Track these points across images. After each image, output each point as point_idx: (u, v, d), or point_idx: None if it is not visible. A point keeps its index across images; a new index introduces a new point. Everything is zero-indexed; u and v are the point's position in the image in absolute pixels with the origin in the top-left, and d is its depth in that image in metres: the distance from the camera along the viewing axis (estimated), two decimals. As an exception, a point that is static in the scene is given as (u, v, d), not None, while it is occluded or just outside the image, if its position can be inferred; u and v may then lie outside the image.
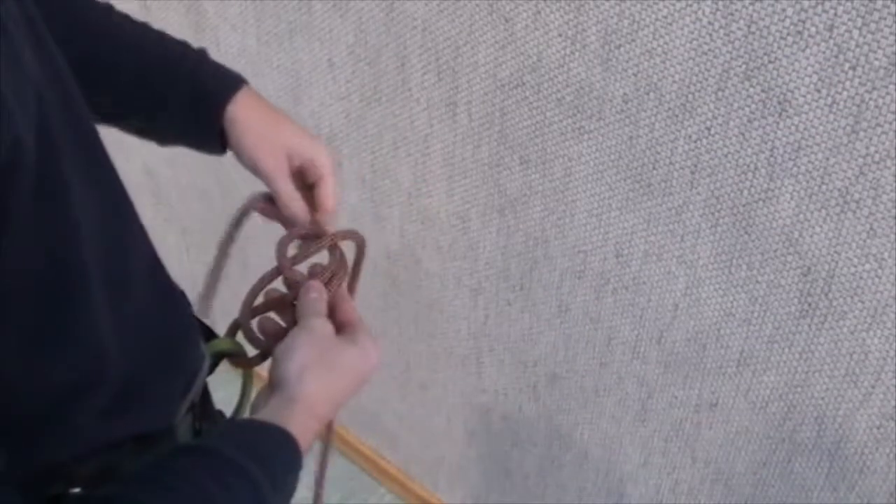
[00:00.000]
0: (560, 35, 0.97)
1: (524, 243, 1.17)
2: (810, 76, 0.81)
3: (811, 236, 0.89)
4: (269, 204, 0.72)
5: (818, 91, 0.81)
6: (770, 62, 0.83)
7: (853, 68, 0.78)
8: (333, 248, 0.68)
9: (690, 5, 0.86)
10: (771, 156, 0.88)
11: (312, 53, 1.29)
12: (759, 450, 1.08)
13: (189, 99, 0.68)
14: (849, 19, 0.77)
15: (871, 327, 0.90)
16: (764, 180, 0.89)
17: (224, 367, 0.67)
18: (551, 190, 1.09)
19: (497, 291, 1.26)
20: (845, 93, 0.80)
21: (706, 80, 0.88)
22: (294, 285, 0.64)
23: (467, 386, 1.43)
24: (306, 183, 0.70)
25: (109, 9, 0.69)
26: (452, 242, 1.28)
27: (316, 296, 0.62)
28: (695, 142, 0.93)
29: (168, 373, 0.56)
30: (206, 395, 0.65)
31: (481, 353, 1.36)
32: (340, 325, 0.62)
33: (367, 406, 1.68)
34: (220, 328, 0.68)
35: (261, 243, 1.67)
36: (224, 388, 0.70)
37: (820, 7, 0.78)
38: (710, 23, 0.85)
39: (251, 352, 0.64)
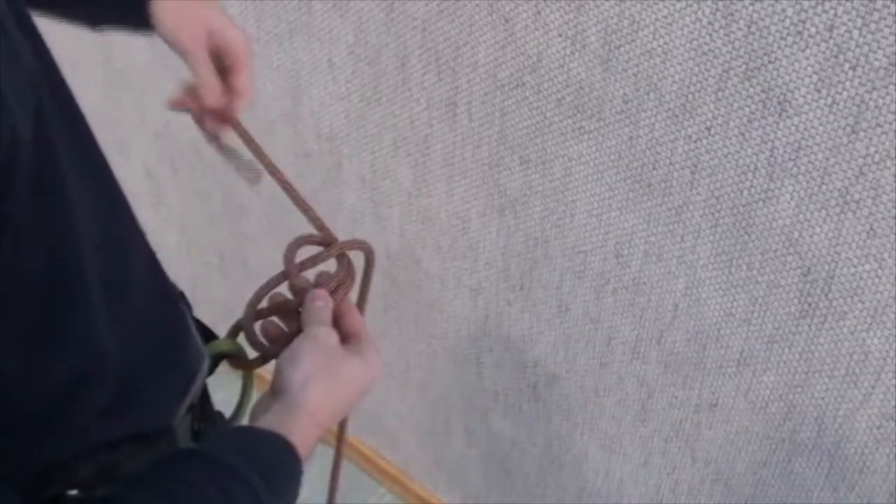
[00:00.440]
0: (560, 35, 0.97)
1: (524, 243, 1.17)
2: (810, 76, 0.81)
3: (811, 236, 0.89)
4: (189, 93, 0.73)
5: (818, 91, 0.81)
6: (770, 62, 0.83)
7: (853, 68, 0.78)
8: (341, 258, 0.68)
9: (690, 5, 0.86)
10: (771, 156, 0.88)
11: (312, 53, 1.29)
12: (759, 450, 1.08)
13: None
14: (849, 19, 0.77)
15: (871, 327, 0.90)
16: (764, 180, 0.89)
17: (225, 368, 0.67)
18: (551, 190, 1.09)
19: (497, 291, 1.26)
20: (845, 93, 0.80)
21: (706, 80, 0.88)
22: (299, 292, 0.64)
23: (467, 386, 1.43)
24: (223, 66, 0.72)
25: None
26: (452, 242, 1.28)
27: (321, 304, 0.62)
28: (695, 142, 0.93)
29: (167, 372, 0.56)
30: (205, 395, 0.65)
31: (481, 353, 1.36)
32: (345, 335, 0.62)
33: (367, 406, 1.68)
34: (220, 330, 0.67)
35: (260, 243, 1.67)
36: (224, 390, 0.70)
37: (820, 7, 0.78)
38: (710, 23, 0.85)
39: (251, 354, 0.64)
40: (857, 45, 0.77)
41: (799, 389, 1.00)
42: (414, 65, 1.15)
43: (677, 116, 0.93)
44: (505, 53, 1.04)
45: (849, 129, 0.81)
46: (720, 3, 0.83)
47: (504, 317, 1.28)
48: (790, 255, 0.92)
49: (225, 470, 0.47)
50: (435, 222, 1.28)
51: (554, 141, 1.05)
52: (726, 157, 0.91)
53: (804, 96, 0.83)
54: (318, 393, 0.56)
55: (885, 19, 0.75)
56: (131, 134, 1.77)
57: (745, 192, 0.92)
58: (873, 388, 0.93)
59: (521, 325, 1.26)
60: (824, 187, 0.86)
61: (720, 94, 0.88)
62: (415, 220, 1.31)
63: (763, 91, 0.85)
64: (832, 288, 0.90)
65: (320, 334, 0.60)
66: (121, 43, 1.60)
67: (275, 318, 0.65)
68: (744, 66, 0.85)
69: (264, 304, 0.66)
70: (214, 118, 0.75)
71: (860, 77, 0.78)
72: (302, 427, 0.54)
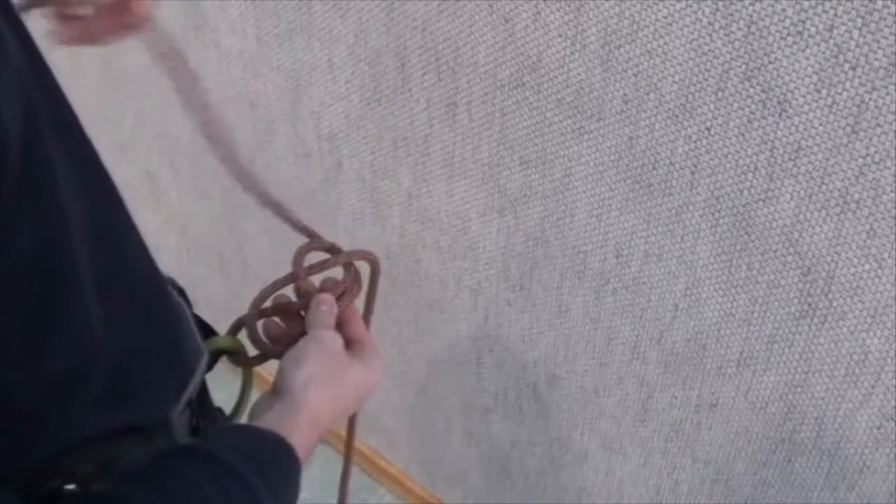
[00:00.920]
0: (560, 35, 0.97)
1: (524, 243, 1.17)
2: (810, 76, 0.81)
3: (811, 236, 0.89)
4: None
5: (818, 91, 0.81)
6: (770, 62, 0.83)
7: (853, 68, 0.78)
8: (349, 266, 0.69)
9: (690, 6, 0.86)
10: (771, 156, 0.88)
11: (312, 53, 1.29)
12: (759, 450, 1.08)
13: None
14: (849, 19, 0.77)
15: (871, 327, 0.90)
16: (764, 180, 0.89)
17: (226, 368, 0.67)
18: (551, 190, 1.09)
19: (497, 291, 1.26)
20: (845, 93, 0.80)
21: (706, 80, 0.88)
22: (305, 294, 0.65)
23: (467, 386, 1.43)
24: None
25: None
26: (452, 242, 1.28)
27: (326, 308, 0.63)
28: (695, 142, 0.93)
29: (164, 366, 0.56)
30: (204, 392, 0.65)
31: (481, 353, 1.36)
32: (348, 341, 0.63)
33: (367, 406, 1.68)
34: (220, 329, 0.67)
35: (260, 243, 1.67)
36: (224, 389, 0.70)
37: (820, 7, 0.78)
38: (710, 23, 0.85)
39: (251, 352, 0.64)
40: (857, 45, 0.77)
41: (799, 389, 1.00)
42: (414, 65, 1.15)
43: (677, 116, 0.93)
44: (505, 53, 1.04)
45: (849, 129, 0.81)
46: (720, 3, 0.83)
47: (504, 317, 1.28)
48: (790, 255, 0.92)
49: (224, 468, 0.47)
50: (435, 222, 1.28)
51: (554, 141, 1.05)
52: (726, 157, 0.91)
53: (804, 96, 0.83)
54: (320, 395, 0.56)
55: (885, 19, 0.75)
56: (131, 134, 1.77)
57: (745, 192, 0.92)
58: (873, 388, 0.93)
59: (521, 325, 1.26)
60: (824, 187, 0.86)
61: (720, 94, 0.88)
62: (415, 220, 1.31)
63: (763, 91, 0.85)
64: (832, 288, 0.90)
65: (326, 338, 0.60)
66: (121, 43, 1.60)
67: (276, 319, 0.66)
68: (744, 67, 0.85)
69: (268, 304, 0.66)
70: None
71: (860, 77, 0.78)
72: (302, 428, 0.54)
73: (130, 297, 0.52)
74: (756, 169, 0.89)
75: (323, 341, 0.60)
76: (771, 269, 0.94)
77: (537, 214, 1.13)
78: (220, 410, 0.68)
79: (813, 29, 0.79)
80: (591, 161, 1.03)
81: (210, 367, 0.64)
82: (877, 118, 0.79)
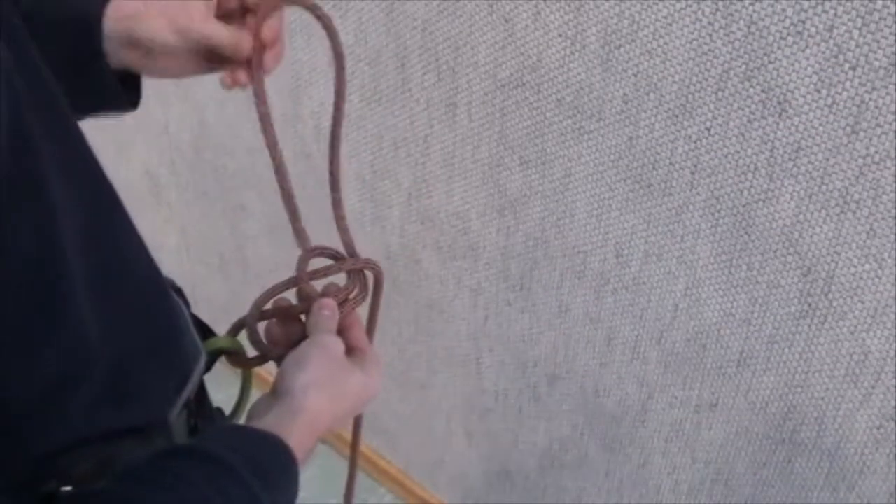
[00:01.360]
0: (560, 35, 0.97)
1: (524, 243, 1.17)
2: (810, 76, 0.81)
3: (811, 236, 0.89)
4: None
5: (818, 91, 0.81)
6: (770, 62, 0.83)
7: (853, 68, 0.78)
8: (353, 274, 0.69)
9: (690, 5, 0.86)
10: (771, 156, 0.88)
11: (312, 53, 1.29)
12: (759, 450, 1.08)
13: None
14: (849, 19, 0.77)
15: (871, 327, 0.90)
16: (764, 180, 0.89)
17: (226, 368, 0.67)
18: (551, 190, 1.09)
19: (497, 291, 1.26)
20: (845, 93, 0.80)
21: (706, 80, 0.88)
22: (307, 298, 0.65)
23: (467, 386, 1.43)
24: (245, 6, 0.65)
25: None
26: (452, 242, 1.28)
27: (329, 313, 0.63)
28: (695, 142, 0.93)
29: (163, 367, 0.56)
30: (202, 392, 0.65)
31: (481, 353, 1.36)
32: (349, 349, 0.63)
33: (367, 407, 1.68)
34: (219, 329, 0.67)
35: (260, 243, 1.67)
36: (224, 390, 0.69)
37: (820, 7, 0.78)
38: (710, 23, 0.85)
39: (251, 353, 0.64)
40: (857, 45, 0.77)
41: (799, 389, 1.00)
42: (414, 65, 1.15)
43: (677, 116, 0.93)
44: (505, 53, 1.04)
45: (849, 129, 0.81)
46: (720, 3, 0.83)
47: (504, 317, 1.28)
48: (790, 255, 0.92)
49: (223, 468, 0.47)
50: (435, 222, 1.28)
51: (554, 141, 1.05)
52: (726, 157, 0.91)
53: (804, 96, 0.83)
54: (319, 400, 0.56)
55: (885, 19, 0.75)
56: (131, 134, 1.77)
57: (745, 192, 0.91)
58: (873, 388, 0.93)
59: (521, 325, 1.26)
60: (824, 187, 0.86)
61: (720, 94, 0.88)
62: (415, 220, 1.31)
63: (763, 91, 0.85)
64: (832, 288, 0.90)
65: (328, 342, 0.60)
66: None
67: (276, 321, 0.66)
68: (744, 67, 0.85)
69: (269, 306, 0.66)
70: (247, 73, 0.67)
71: (860, 77, 0.78)
72: (301, 431, 0.54)
73: (129, 297, 0.52)
74: (756, 169, 0.89)
75: (325, 346, 0.60)
76: (771, 269, 0.94)
77: (537, 214, 1.13)
78: (219, 411, 0.67)
79: (813, 29, 0.79)
80: (591, 161, 1.03)
81: (208, 367, 0.64)
82: (877, 118, 0.79)
